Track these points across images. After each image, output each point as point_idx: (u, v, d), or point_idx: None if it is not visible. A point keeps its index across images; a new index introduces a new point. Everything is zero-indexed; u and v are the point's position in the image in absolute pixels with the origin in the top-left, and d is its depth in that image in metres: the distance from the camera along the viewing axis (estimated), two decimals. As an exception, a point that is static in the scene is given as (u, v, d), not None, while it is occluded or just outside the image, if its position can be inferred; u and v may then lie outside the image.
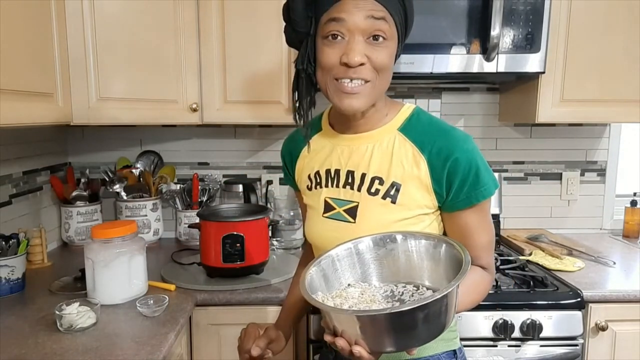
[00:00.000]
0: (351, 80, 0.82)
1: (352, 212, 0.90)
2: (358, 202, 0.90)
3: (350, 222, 0.90)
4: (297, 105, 0.91)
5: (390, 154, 0.88)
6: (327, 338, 0.72)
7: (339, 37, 0.82)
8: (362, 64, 0.81)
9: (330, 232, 0.92)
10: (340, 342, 0.69)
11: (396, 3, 0.82)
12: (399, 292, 0.80)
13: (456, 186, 0.84)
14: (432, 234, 0.85)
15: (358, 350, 0.68)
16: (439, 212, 0.90)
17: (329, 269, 0.83)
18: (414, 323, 0.66)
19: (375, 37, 0.81)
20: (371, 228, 0.87)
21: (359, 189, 0.90)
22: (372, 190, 0.88)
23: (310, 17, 0.85)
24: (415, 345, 0.69)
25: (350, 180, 0.91)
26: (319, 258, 0.84)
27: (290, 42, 0.91)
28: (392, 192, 0.87)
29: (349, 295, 0.78)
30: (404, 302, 0.77)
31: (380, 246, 0.85)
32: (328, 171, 0.95)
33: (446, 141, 0.84)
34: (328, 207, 0.93)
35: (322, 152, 0.97)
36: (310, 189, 0.99)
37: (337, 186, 0.93)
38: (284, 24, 0.89)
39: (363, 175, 0.90)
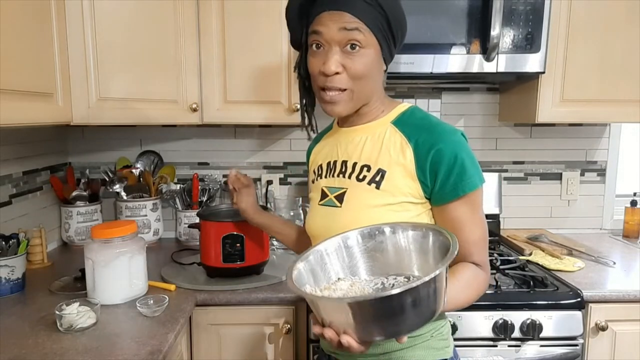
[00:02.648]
0: (330, 89, 0.88)
1: (340, 197, 0.94)
2: (347, 188, 0.94)
3: (337, 206, 0.94)
4: (301, 105, 1.02)
5: (380, 143, 0.92)
6: (316, 329, 0.71)
7: (321, 47, 0.89)
8: (337, 73, 0.87)
9: (321, 217, 0.97)
10: (329, 333, 0.68)
11: (373, 12, 0.86)
12: (390, 284, 0.79)
13: (442, 176, 0.86)
14: (420, 224, 0.85)
15: (346, 339, 0.67)
16: (429, 205, 0.91)
17: (317, 264, 0.83)
18: (403, 308, 0.65)
19: (352, 46, 0.86)
20: (354, 211, 0.91)
21: (349, 177, 0.94)
22: (360, 176, 0.92)
23: (303, 26, 0.92)
24: (404, 332, 0.68)
25: (343, 169, 0.96)
26: (307, 253, 0.83)
27: (294, 46, 0.99)
28: (377, 178, 0.90)
29: (337, 288, 0.78)
30: None
31: (369, 239, 0.85)
32: (329, 163, 1.01)
33: (432, 133, 0.88)
34: (323, 195, 0.98)
35: (326, 148, 1.04)
36: (313, 182, 1.05)
37: (333, 176, 0.98)
38: (287, 27, 0.97)
39: (354, 164, 0.94)
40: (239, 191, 1.26)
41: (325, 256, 0.85)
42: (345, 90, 0.88)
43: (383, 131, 0.93)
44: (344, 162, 0.96)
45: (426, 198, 0.89)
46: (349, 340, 0.67)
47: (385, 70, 0.95)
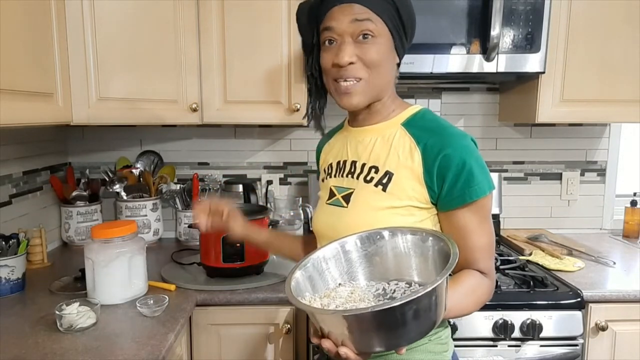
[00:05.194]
0: (345, 80, 0.88)
1: (347, 198, 0.94)
2: (354, 189, 0.93)
3: (343, 207, 0.94)
4: (309, 107, 1.01)
5: (389, 145, 0.92)
6: (314, 340, 0.71)
7: (334, 42, 0.89)
8: (352, 63, 0.87)
9: (327, 216, 0.97)
10: (327, 344, 0.68)
11: (382, 2, 0.87)
12: (391, 289, 0.78)
13: (449, 181, 0.85)
14: (419, 228, 0.84)
15: (344, 351, 0.67)
16: (434, 211, 0.90)
17: (315, 271, 0.82)
18: (402, 320, 0.64)
19: (364, 36, 0.87)
20: (359, 213, 0.90)
21: (357, 177, 0.94)
22: (368, 178, 0.92)
23: (314, 29, 0.93)
24: (404, 344, 0.67)
25: (352, 170, 0.96)
26: (305, 260, 0.82)
27: (305, 51, 0.99)
28: (384, 181, 0.90)
29: (337, 295, 0.77)
30: (394, 300, 0.76)
31: (368, 244, 0.85)
32: (338, 163, 1.01)
33: (441, 137, 0.87)
34: (331, 195, 0.98)
35: (337, 147, 1.04)
36: (323, 180, 1.05)
37: (342, 176, 0.98)
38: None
39: (363, 165, 0.94)
40: (228, 217, 1.10)
41: (323, 263, 0.84)
42: (360, 79, 0.88)
43: (393, 133, 0.92)
44: (354, 163, 0.96)
45: (432, 203, 0.88)
46: (347, 352, 0.67)
47: (399, 65, 0.95)
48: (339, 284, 0.82)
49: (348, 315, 0.65)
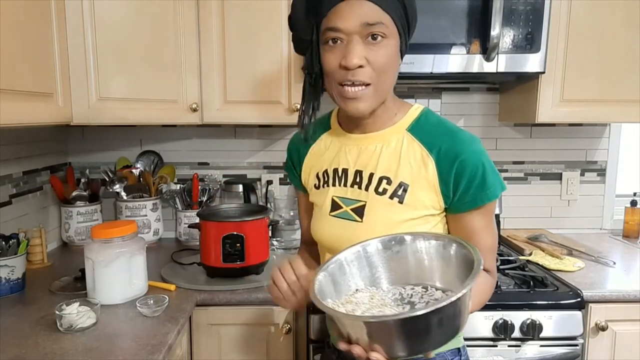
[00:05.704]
0: (353, 84, 0.82)
1: (359, 211, 0.90)
2: (365, 202, 0.90)
3: (357, 221, 0.90)
4: (302, 108, 0.93)
5: (398, 154, 0.89)
6: (343, 346, 0.69)
7: (339, 41, 0.82)
8: (361, 67, 0.81)
9: (337, 230, 0.92)
10: (357, 350, 0.68)
11: (393, 0, 0.82)
12: (408, 294, 0.79)
13: (463, 187, 0.84)
14: (442, 234, 0.85)
15: (376, 356, 0.66)
16: (444, 213, 0.90)
17: (338, 273, 0.82)
18: (429, 327, 0.65)
19: (374, 37, 0.81)
20: (378, 227, 0.87)
21: (366, 189, 0.90)
22: (380, 189, 0.89)
23: (312, 24, 0.86)
24: (430, 349, 0.68)
25: (358, 180, 0.92)
26: (327, 263, 0.82)
27: (297, 50, 0.93)
28: (399, 192, 0.87)
29: (359, 301, 0.77)
30: (413, 304, 0.76)
31: (389, 248, 0.84)
32: (336, 170, 0.95)
33: (454, 143, 0.85)
34: (335, 206, 0.94)
35: (329, 151, 0.98)
36: (317, 187, 0.99)
37: (345, 185, 0.93)
38: (290, 31, 0.91)
39: (371, 175, 0.90)
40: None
41: (345, 265, 0.83)
42: (369, 85, 0.83)
43: (400, 140, 0.89)
44: (359, 172, 0.91)
45: (445, 208, 0.88)
46: (379, 357, 0.66)
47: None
48: (356, 290, 0.82)
49: (374, 322, 0.65)
